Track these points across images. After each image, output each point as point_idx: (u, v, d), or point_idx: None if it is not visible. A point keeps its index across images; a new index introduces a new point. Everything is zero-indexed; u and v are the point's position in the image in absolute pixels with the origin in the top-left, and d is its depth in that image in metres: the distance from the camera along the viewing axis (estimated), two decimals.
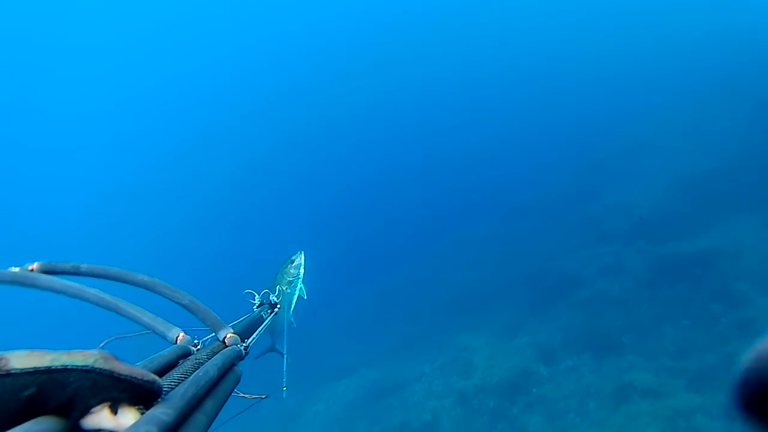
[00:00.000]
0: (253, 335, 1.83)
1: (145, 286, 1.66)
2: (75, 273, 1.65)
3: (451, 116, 41.96)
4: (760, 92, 18.46)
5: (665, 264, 13.02)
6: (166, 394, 0.93)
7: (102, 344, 1.37)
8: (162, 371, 1.13)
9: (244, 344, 1.59)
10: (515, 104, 39.54)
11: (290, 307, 5.29)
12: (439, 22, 54.54)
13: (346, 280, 26.11)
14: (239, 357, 1.45)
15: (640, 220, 13.99)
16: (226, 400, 1.19)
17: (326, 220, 34.84)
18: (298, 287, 5.16)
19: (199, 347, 1.45)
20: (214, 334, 1.56)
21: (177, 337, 1.46)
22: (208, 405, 1.05)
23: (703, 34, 29.53)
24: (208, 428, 0.99)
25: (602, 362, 11.31)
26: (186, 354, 1.33)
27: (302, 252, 4.78)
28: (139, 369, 0.87)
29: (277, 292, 2.67)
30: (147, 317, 1.51)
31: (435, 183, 34.46)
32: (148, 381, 0.86)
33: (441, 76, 47.30)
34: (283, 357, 3.41)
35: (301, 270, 5.09)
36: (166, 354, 1.25)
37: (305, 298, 5.21)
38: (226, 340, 1.52)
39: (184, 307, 1.64)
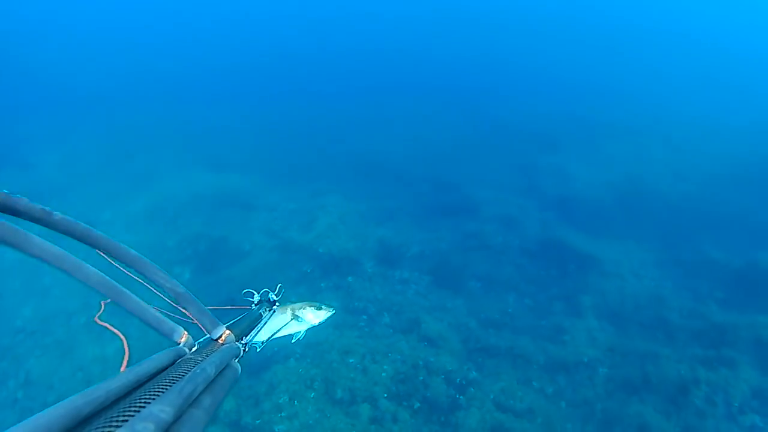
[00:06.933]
0: (252, 333, 1.78)
1: (133, 265, 1.41)
2: (42, 220, 1.26)
3: None
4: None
5: (554, 245, 12.33)
6: (163, 392, 0.93)
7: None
8: (158, 372, 1.11)
9: (243, 342, 1.58)
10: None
11: (276, 333, 4.50)
12: None
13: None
14: (237, 354, 1.40)
15: None
16: (224, 397, 1.13)
17: None
18: (302, 329, 4.62)
19: (195, 348, 1.37)
20: (207, 334, 1.48)
21: (181, 338, 1.36)
22: (207, 402, 1.00)
23: None
24: (206, 425, 0.95)
25: (433, 292, 10.89)
26: (182, 355, 1.27)
27: (334, 311, 4.23)
28: None
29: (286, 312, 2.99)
30: (152, 314, 1.34)
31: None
32: None
33: None
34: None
35: (317, 322, 4.48)
36: (161, 356, 1.18)
37: (293, 340, 4.47)
38: (221, 339, 1.47)
39: (177, 297, 1.46)
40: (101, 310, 1.54)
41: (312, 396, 7.34)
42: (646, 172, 16.05)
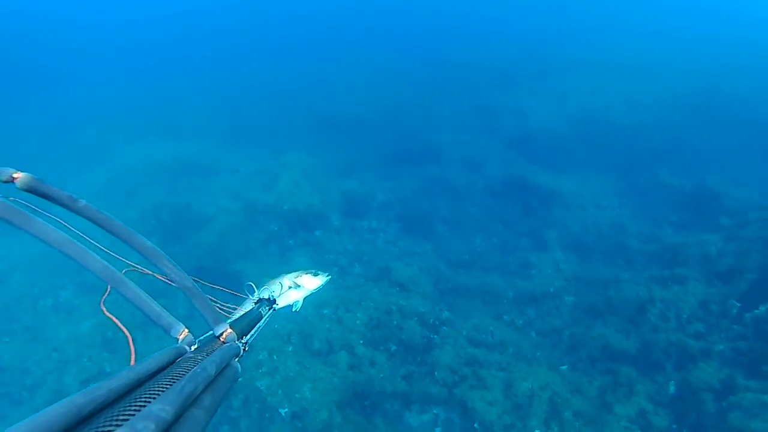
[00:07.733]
0: (252, 332, 1.76)
1: (147, 254, 1.47)
2: (67, 206, 1.35)
3: None
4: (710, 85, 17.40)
5: (517, 183, 12.54)
6: (164, 391, 0.94)
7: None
8: (159, 370, 1.12)
9: (243, 341, 1.57)
10: None
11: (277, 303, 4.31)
12: None
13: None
14: (237, 354, 1.40)
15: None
16: (225, 396, 1.12)
17: None
18: (300, 299, 4.35)
19: (195, 346, 1.38)
20: (211, 330, 1.50)
21: (180, 334, 1.38)
22: (207, 401, 1.00)
23: None
24: (206, 424, 0.95)
25: (401, 238, 11.02)
26: (182, 353, 1.28)
27: (330, 276, 4.05)
28: None
29: (280, 287, 2.71)
30: (154, 307, 1.39)
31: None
32: None
33: None
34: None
35: (314, 288, 4.31)
36: (162, 354, 1.19)
37: (293, 309, 4.14)
38: (223, 337, 1.48)
39: (185, 290, 1.49)
40: (106, 294, 1.56)
41: (290, 350, 7.49)
42: (601, 104, 16.27)
